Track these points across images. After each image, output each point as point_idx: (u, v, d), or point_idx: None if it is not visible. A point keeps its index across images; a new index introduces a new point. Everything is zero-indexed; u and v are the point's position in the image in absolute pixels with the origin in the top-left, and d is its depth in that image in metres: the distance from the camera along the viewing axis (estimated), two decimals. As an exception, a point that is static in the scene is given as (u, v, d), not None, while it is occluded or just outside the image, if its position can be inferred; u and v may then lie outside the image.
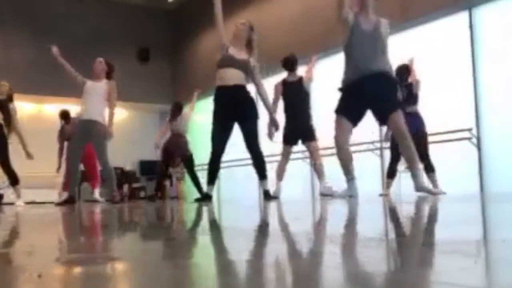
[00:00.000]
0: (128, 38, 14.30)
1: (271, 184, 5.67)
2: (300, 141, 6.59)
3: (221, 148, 5.32)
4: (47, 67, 12.61)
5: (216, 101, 5.30)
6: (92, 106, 6.37)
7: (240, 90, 5.22)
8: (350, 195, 4.63)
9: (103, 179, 6.87)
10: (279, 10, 11.10)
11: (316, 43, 9.09)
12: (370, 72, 4.46)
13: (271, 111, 5.76)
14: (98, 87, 6.44)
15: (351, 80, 4.53)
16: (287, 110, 6.50)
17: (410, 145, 4.50)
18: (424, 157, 6.28)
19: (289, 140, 6.51)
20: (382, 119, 4.65)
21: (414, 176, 4.54)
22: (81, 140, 6.41)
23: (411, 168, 4.59)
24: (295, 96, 6.52)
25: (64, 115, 9.22)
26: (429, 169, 6.35)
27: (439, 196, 4.74)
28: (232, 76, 5.18)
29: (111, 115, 6.48)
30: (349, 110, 4.59)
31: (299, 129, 6.47)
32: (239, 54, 5.26)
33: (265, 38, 11.39)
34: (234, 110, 5.20)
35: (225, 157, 5.50)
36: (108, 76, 6.62)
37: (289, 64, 6.64)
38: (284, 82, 6.61)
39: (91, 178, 8.70)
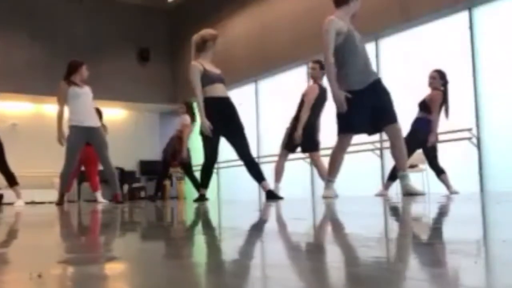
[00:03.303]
0: (128, 38, 14.29)
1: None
2: (300, 149, 6.51)
3: (216, 156, 5.51)
4: (47, 68, 12.64)
5: (210, 112, 5.27)
6: (89, 111, 6.42)
7: (230, 101, 5.42)
8: (330, 196, 4.79)
9: (105, 180, 6.86)
10: (280, 9, 11.09)
11: (318, 42, 9.07)
12: (376, 77, 4.56)
13: None
14: (88, 91, 6.48)
15: (358, 84, 4.52)
16: (310, 115, 6.19)
17: (402, 148, 4.60)
18: (433, 162, 6.29)
19: (292, 147, 6.42)
20: (378, 127, 4.72)
21: (402, 179, 4.61)
22: (80, 146, 6.44)
23: (399, 170, 4.68)
24: (323, 104, 6.35)
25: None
26: (439, 172, 6.28)
27: (450, 196, 4.79)
28: (223, 90, 5.39)
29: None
30: (356, 125, 4.60)
31: (306, 137, 6.33)
32: (216, 69, 5.44)
33: (266, 37, 11.40)
34: (228, 120, 5.28)
35: (225, 157, 5.53)
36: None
37: None
38: (319, 87, 6.30)
39: (90, 181, 8.69)
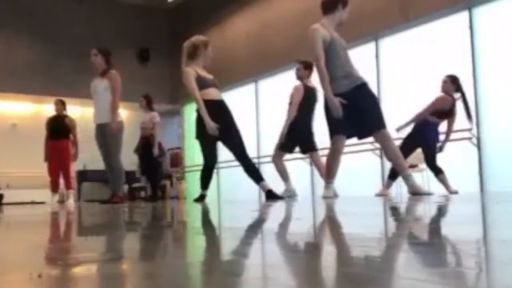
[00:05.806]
0: (128, 39, 14.29)
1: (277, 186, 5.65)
2: (299, 150, 6.50)
3: (216, 159, 5.60)
4: (47, 68, 12.64)
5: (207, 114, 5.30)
6: (98, 108, 6.42)
7: (225, 104, 5.46)
8: (330, 196, 4.87)
9: (110, 179, 6.62)
10: (280, 9, 11.08)
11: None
12: (361, 81, 4.64)
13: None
14: (98, 86, 6.41)
15: (343, 87, 4.62)
16: (299, 116, 6.23)
17: (395, 150, 4.66)
18: (431, 164, 6.31)
19: (289, 148, 6.41)
20: (365, 132, 4.77)
21: (406, 180, 4.64)
22: (99, 144, 6.49)
23: (400, 172, 4.73)
24: (312, 103, 6.37)
25: None
26: (437, 172, 6.30)
27: (450, 196, 4.80)
28: (217, 93, 5.45)
29: (112, 108, 6.29)
30: (346, 125, 4.65)
31: (303, 138, 6.34)
32: (209, 75, 5.49)
33: (266, 37, 11.40)
34: (223, 122, 5.28)
35: (225, 157, 5.53)
36: (108, 63, 6.46)
37: (312, 66, 6.15)
38: (305, 87, 6.33)
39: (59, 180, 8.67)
